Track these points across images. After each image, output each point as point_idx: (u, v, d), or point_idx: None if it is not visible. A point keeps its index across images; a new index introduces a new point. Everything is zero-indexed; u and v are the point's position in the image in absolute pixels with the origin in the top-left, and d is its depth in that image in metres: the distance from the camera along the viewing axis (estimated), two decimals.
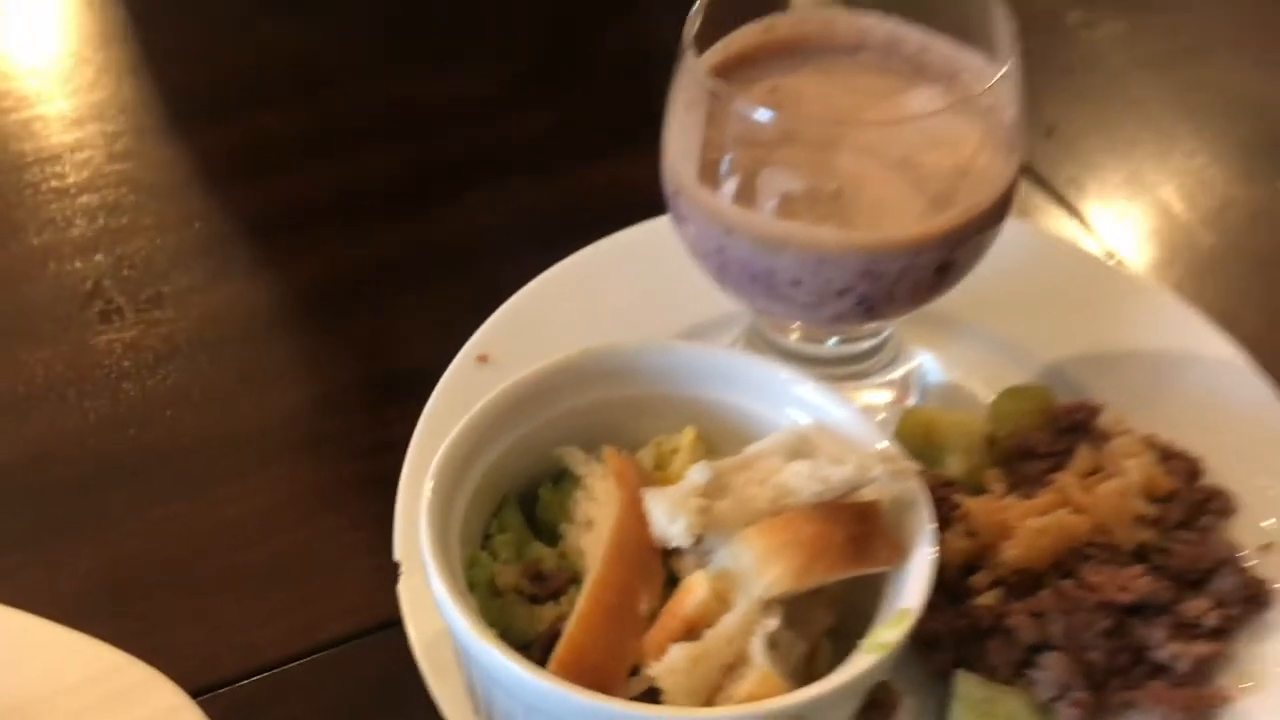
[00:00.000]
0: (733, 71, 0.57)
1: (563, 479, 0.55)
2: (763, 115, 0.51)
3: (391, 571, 0.57)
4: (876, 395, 0.64)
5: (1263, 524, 0.58)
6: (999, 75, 0.52)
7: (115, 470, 0.65)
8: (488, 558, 0.52)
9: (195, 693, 0.54)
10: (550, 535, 0.54)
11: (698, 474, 0.49)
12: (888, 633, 0.47)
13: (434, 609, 0.49)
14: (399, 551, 0.57)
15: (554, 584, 0.52)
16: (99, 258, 0.75)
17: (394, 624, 0.56)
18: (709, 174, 0.53)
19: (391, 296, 0.73)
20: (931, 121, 0.53)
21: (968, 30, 0.55)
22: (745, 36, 0.57)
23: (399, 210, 0.76)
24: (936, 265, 0.53)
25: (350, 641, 0.59)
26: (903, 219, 0.52)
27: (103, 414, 0.68)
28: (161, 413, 0.68)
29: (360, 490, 0.63)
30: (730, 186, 0.53)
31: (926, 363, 0.65)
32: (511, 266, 0.68)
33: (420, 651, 0.54)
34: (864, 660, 0.46)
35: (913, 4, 0.57)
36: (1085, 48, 0.86)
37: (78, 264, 0.75)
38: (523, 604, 0.51)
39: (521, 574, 0.52)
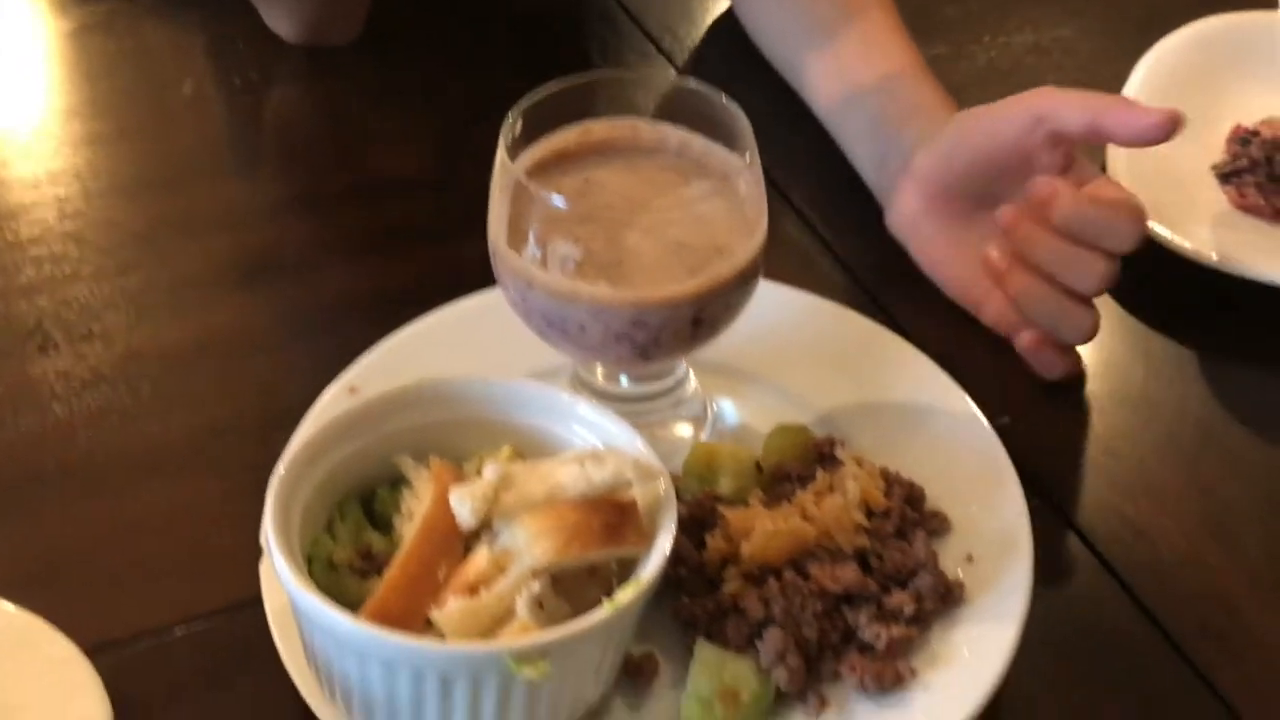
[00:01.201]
0: (553, 164, 0.72)
1: (399, 483, 0.68)
2: (556, 201, 0.66)
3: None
4: (681, 429, 0.78)
5: (968, 540, 0.71)
6: (738, 171, 0.67)
7: (40, 476, 0.78)
8: (328, 538, 0.65)
9: (90, 649, 0.67)
10: (386, 528, 0.67)
11: (489, 472, 0.62)
12: (622, 594, 0.60)
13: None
14: (263, 539, 0.70)
15: (379, 561, 0.64)
16: (42, 301, 0.88)
17: (259, 600, 0.69)
18: (515, 241, 0.68)
19: (287, 342, 0.86)
20: (688, 208, 0.68)
21: (733, 139, 0.71)
22: (565, 137, 0.72)
23: (301, 271, 0.90)
24: (691, 319, 0.68)
25: (224, 613, 0.71)
26: (663, 282, 0.67)
27: (33, 429, 0.81)
28: (83, 430, 0.81)
29: (244, 497, 0.74)
30: (531, 252, 0.67)
31: (724, 406, 0.79)
32: (392, 319, 0.82)
33: (272, 618, 0.67)
34: (600, 612, 0.59)
35: (696, 118, 0.72)
36: None
37: (23, 305, 0.88)
38: (353, 577, 0.64)
39: (355, 553, 0.65)
